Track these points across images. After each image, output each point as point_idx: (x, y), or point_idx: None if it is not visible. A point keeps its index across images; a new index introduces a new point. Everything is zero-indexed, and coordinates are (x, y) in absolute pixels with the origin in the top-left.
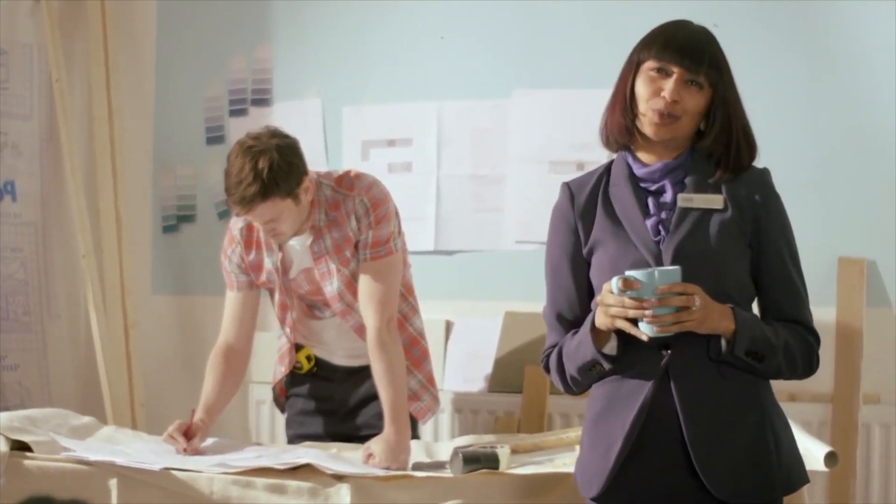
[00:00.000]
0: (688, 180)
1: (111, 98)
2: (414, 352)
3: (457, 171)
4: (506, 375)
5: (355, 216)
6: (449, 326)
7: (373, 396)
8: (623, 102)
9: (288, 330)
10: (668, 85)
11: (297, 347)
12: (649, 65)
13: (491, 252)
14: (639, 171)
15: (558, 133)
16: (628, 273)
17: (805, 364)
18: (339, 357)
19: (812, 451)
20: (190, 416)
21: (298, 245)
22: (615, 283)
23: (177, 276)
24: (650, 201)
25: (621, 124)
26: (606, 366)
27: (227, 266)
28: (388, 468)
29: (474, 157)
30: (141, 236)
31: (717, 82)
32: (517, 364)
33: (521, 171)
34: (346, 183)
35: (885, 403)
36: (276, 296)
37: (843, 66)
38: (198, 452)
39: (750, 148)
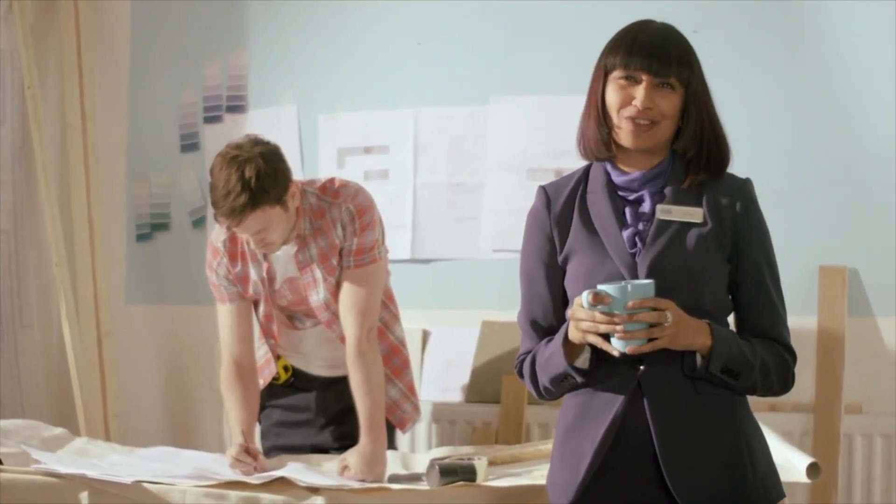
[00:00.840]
0: (667, 191)
1: (84, 104)
2: (395, 361)
3: (434, 178)
4: (483, 385)
5: (341, 224)
6: (426, 336)
7: (351, 408)
8: (597, 114)
9: (273, 341)
10: (639, 92)
11: (275, 358)
12: (617, 73)
13: (468, 261)
14: (617, 178)
15: (536, 140)
16: (599, 287)
17: (780, 382)
18: (317, 367)
19: (794, 463)
20: (244, 438)
21: (282, 254)
22: (585, 297)
23: (151, 284)
24: (628, 211)
25: (597, 137)
26: (578, 379)
27: (215, 280)
28: (363, 480)
29: (451, 164)
30: (115, 244)
31: (688, 79)
32: (495, 374)
33: (499, 178)
34: (331, 191)
35: (867, 413)
36: (262, 307)
37: (824, 73)
38: (265, 471)
39: (720, 145)
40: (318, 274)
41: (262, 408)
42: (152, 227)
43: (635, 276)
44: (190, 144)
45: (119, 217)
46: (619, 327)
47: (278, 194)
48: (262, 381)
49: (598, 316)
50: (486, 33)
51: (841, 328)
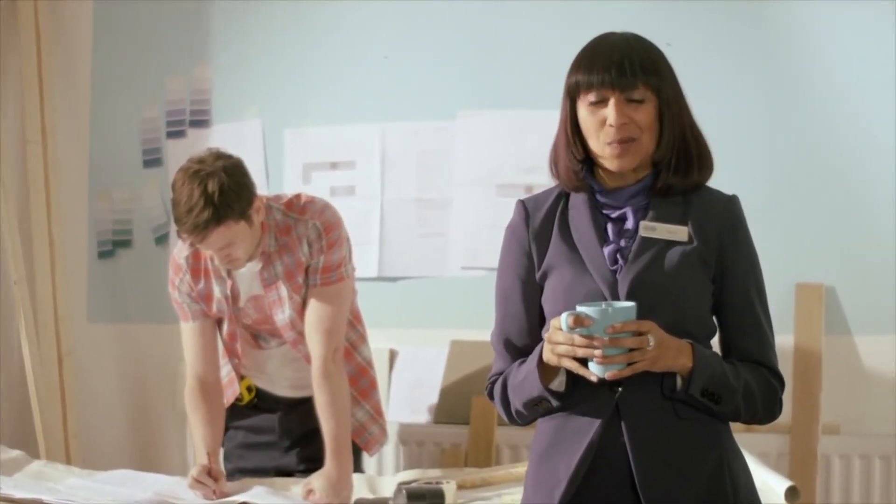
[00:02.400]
0: (651, 208)
1: (45, 120)
2: (362, 382)
3: (401, 194)
4: (452, 406)
5: (307, 240)
6: (393, 355)
7: (317, 429)
8: (566, 140)
9: (236, 360)
10: (610, 112)
11: (238, 378)
12: (583, 96)
13: (436, 278)
14: (599, 194)
15: (506, 155)
16: (579, 308)
17: (766, 408)
18: (282, 388)
19: (772, 486)
20: (208, 459)
21: (247, 272)
22: (564, 319)
23: (113, 303)
24: (610, 227)
25: (567, 166)
26: (554, 403)
27: (178, 297)
28: None
29: (419, 180)
30: (76, 262)
31: (658, 86)
32: (464, 394)
33: (468, 194)
34: (297, 207)
35: (845, 434)
36: (226, 325)
37: (799, 89)
38: (225, 495)
39: (701, 150)
40: (284, 292)
41: (226, 429)
42: (114, 245)
43: (616, 294)
44: (152, 160)
45: (80, 234)
46: (597, 352)
47: (242, 209)
48: (226, 401)
49: (577, 339)
50: (454, 46)
51: (818, 347)
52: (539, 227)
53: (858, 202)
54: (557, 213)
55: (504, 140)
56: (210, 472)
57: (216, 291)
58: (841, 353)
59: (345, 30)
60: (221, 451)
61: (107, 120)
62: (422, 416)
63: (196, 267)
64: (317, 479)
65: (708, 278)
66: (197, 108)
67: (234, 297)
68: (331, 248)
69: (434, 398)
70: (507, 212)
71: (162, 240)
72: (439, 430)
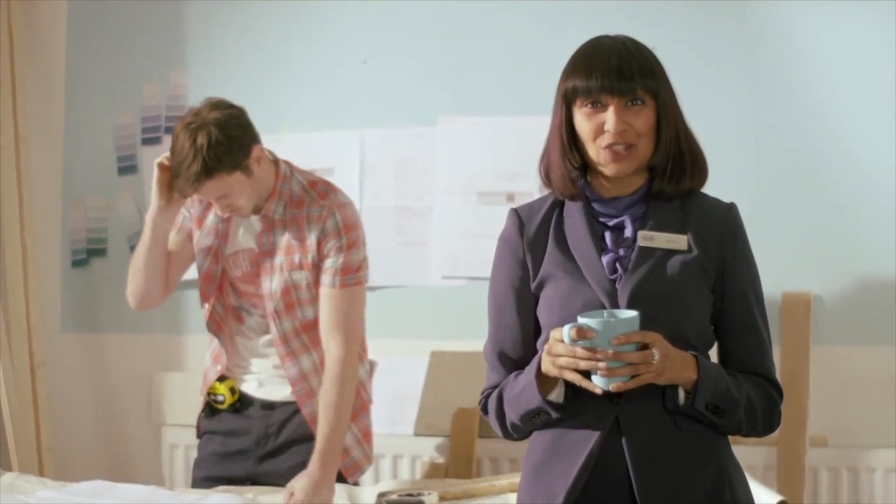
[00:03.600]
0: (649, 216)
1: (18, 126)
2: (354, 402)
3: (380, 202)
4: (432, 418)
5: (322, 229)
6: (372, 366)
7: (296, 440)
8: (561, 147)
9: (224, 338)
10: (608, 117)
11: (221, 378)
12: (580, 102)
13: (416, 288)
14: (596, 202)
15: (487, 162)
16: (581, 320)
17: (766, 422)
18: (261, 388)
19: (761, 499)
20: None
21: (247, 224)
22: (567, 331)
23: (87, 312)
24: (608, 236)
25: (562, 174)
26: (553, 415)
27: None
28: None
29: (398, 187)
30: (49, 271)
31: (656, 90)
32: (445, 406)
33: (448, 202)
34: (321, 188)
35: (833, 446)
36: (206, 264)
37: (785, 97)
38: None
39: (695, 154)
40: (278, 261)
41: (201, 434)
42: (88, 253)
43: (615, 304)
44: (128, 167)
45: (54, 242)
46: (601, 364)
47: (234, 161)
48: (205, 384)
49: (580, 352)
50: (435, 51)
51: (805, 358)
52: (534, 235)
53: (847, 210)
54: (552, 222)
55: (485, 147)
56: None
57: (210, 220)
58: (829, 363)
59: (323, 34)
60: (192, 455)
61: (81, 126)
62: (402, 428)
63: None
64: (299, 479)
65: (708, 288)
66: (173, 115)
67: (225, 235)
68: (350, 248)
69: (414, 410)
70: (488, 220)
71: None
72: (419, 442)
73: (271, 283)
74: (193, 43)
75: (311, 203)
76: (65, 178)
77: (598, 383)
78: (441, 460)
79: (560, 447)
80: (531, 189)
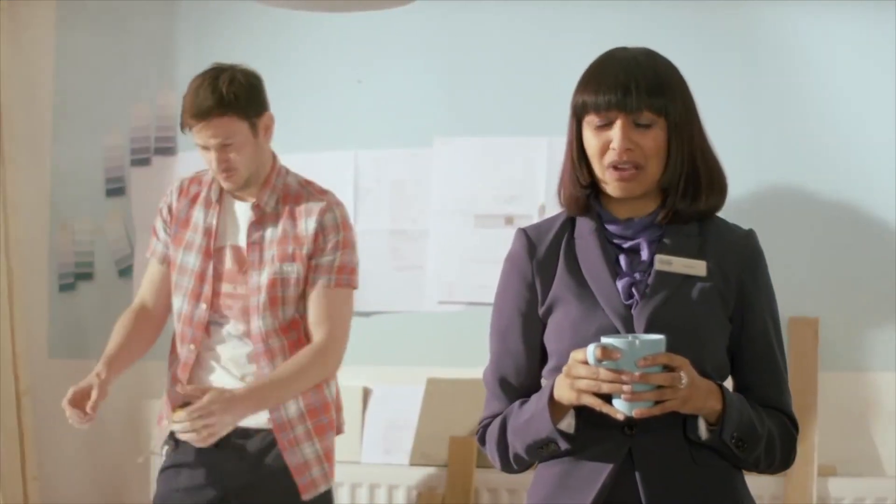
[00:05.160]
0: (667, 240)
1: (4, 147)
2: (322, 418)
3: (375, 224)
4: (428, 447)
5: (320, 222)
6: (367, 394)
7: (265, 475)
8: (571, 164)
9: (192, 347)
10: (615, 134)
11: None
12: (589, 118)
13: (412, 313)
14: (610, 224)
15: (485, 184)
16: (605, 340)
17: (783, 457)
18: None
19: None
20: (103, 367)
21: (234, 217)
22: (592, 351)
23: (75, 337)
24: (623, 259)
25: (572, 193)
26: (563, 445)
27: (155, 222)
28: (201, 416)
29: (394, 209)
30: (36, 295)
31: (665, 108)
32: (441, 435)
33: (445, 225)
34: (316, 186)
35: (842, 476)
36: (197, 261)
37: (789, 117)
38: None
39: (712, 178)
40: (268, 255)
41: (162, 469)
42: (76, 277)
43: (630, 330)
44: (116, 189)
45: (41, 266)
46: (626, 387)
47: (249, 109)
48: (168, 408)
49: (604, 373)
50: (431, 70)
51: (813, 385)
52: (543, 257)
53: (856, 234)
54: (563, 243)
55: (483, 168)
56: (83, 395)
57: (197, 218)
58: (837, 390)
59: (317, 53)
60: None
61: (68, 147)
62: (397, 458)
63: (187, 189)
64: (217, 388)
65: (726, 317)
66: (162, 135)
67: (215, 233)
68: (346, 247)
69: (410, 439)
70: (486, 243)
71: (126, 272)
72: (415, 472)
73: (259, 277)
74: (183, 63)
75: (308, 197)
76: (52, 200)
77: (619, 408)
78: (438, 491)
79: (569, 481)
80: (530, 211)
